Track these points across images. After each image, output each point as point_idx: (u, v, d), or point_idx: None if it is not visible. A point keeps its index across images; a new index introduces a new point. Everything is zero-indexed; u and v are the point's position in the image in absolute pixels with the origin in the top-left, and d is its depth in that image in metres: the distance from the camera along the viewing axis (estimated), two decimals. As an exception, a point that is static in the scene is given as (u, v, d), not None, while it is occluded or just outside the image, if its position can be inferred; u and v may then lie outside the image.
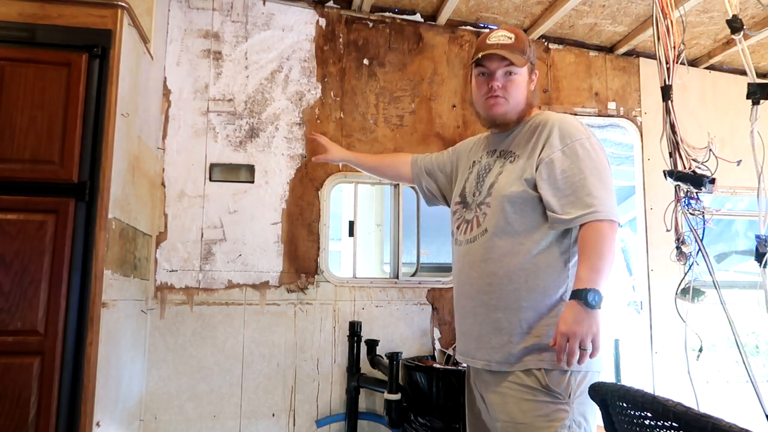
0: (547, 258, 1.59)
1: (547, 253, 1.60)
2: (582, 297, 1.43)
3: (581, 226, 1.53)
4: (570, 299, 1.48)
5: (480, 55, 1.67)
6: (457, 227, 1.78)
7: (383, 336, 2.91)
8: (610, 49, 3.40)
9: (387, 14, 3.18)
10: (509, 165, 1.68)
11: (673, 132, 2.05)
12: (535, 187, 1.61)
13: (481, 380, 1.68)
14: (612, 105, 3.36)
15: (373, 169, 2.26)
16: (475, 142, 1.93)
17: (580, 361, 1.44)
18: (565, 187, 1.56)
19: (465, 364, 1.77)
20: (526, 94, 1.71)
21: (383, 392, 2.49)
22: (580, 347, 1.42)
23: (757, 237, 1.99)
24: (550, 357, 1.52)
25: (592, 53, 3.39)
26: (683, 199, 2.05)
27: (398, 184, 3.12)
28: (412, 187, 3.20)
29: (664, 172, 2.07)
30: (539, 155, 1.61)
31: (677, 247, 2.13)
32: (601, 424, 1.25)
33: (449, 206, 1.93)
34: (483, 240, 1.66)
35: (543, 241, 1.60)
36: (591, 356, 1.45)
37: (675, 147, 2.05)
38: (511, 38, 1.68)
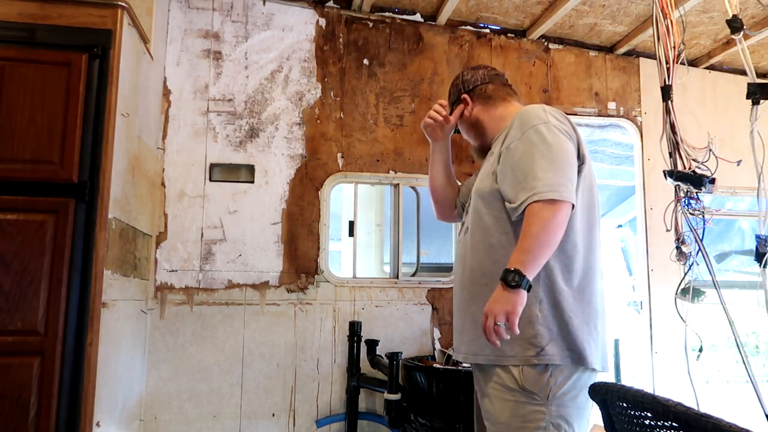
0: None
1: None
2: (502, 277, 1.44)
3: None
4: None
5: None
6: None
7: (383, 336, 2.91)
8: (610, 49, 3.40)
9: (387, 14, 3.18)
10: (486, 164, 1.74)
11: (673, 132, 2.05)
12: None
13: (476, 378, 1.69)
14: (612, 105, 3.36)
15: (445, 181, 2.02)
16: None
17: (499, 337, 1.42)
18: (518, 174, 1.55)
19: (465, 364, 1.77)
20: (467, 124, 1.87)
21: (383, 392, 2.49)
22: (496, 323, 1.41)
23: (757, 237, 1.99)
24: (522, 352, 1.51)
25: (592, 53, 3.39)
26: (683, 199, 2.05)
27: (398, 184, 3.12)
28: (412, 188, 3.20)
29: (664, 172, 2.07)
30: (500, 148, 1.64)
31: (677, 247, 2.13)
32: (599, 424, 1.25)
33: None
34: (465, 238, 1.71)
35: (512, 233, 1.58)
36: (512, 333, 1.42)
37: (675, 147, 2.06)
38: None
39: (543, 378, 1.50)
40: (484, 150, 1.86)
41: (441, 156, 1.99)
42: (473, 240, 1.66)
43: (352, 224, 3.13)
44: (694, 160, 2.04)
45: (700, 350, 2.23)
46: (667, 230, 2.12)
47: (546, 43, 3.33)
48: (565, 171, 1.52)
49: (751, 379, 1.89)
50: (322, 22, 3.11)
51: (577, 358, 1.52)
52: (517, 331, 1.43)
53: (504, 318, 1.41)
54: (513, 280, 1.41)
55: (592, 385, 1.22)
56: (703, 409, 0.89)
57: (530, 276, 1.43)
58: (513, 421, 1.51)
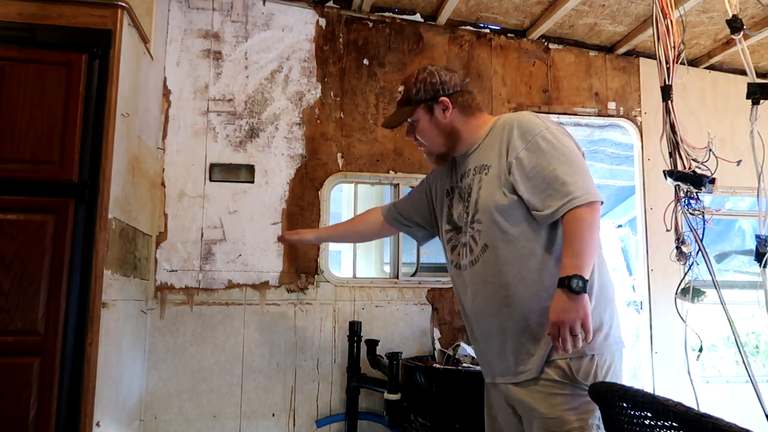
0: (555, 253, 1.61)
1: (552, 249, 1.61)
2: (566, 284, 1.46)
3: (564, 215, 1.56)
4: (557, 288, 1.49)
5: (384, 128, 1.95)
6: (455, 252, 1.79)
7: (383, 336, 2.90)
8: (610, 49, 3.40)
9: (387, 14, 3.18)
10: (485, 177, 1.70)
11: (673, 132, 2.05)
12: (513, 191, 1.63)
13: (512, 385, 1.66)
14: (612, 105, 3.36)
15: (346, 236, 2.41)
16: (442, 172, 1.95)
17: (575, 347, 1.46)
18: (539, 182, 1.58)
19: (465, 364, 1.77)
20: (438, 128, 1.79)
21: (383, 392, 2.49)
22: (571, 333, 1.45)
23: (757, 237, 1.99)
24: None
25: (592, 53, 3.39)
26: (683, 199, 2.05)
27: (398, 184, 3.12)
28: (412, 187, 3.20)
29: (664, 172, 2.07)
30: (507, 159, 1.65)
31: (677, 247, 2.13)
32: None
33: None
34: (486, 256, 1.66)
35: (542, 239, 1.61)
36: (585, 340, 1.47)
37: (675, 147, 2.05)
38: (401, 92, 1.84)
39: (591, 367, 1.55)
40: (443, 158, 1.84)
41: (333, 238, 2.40)
42: (499, 255, 1.63)
43: (352, 224, 3.12)
44: (694, 160, 2.03)
45: (700, 350, 2.24)
46: (667, 230, 2.12)
47: (546, 43, 3.33)
48: (586, 172, 1.59)
49: (751, 379, 1.89)
50: (322, 22, 3.11)
51: (615, 342, 1.60)
52: (591, 337, 1.48)
53: (580, 327, 1.45)
54: (577, 285, 1.44)
55: (592, 385, 1.23)
56: (703, 409, 0.89)
57: (588, 278, 1.47)
58: (565, 415, 1.53)
